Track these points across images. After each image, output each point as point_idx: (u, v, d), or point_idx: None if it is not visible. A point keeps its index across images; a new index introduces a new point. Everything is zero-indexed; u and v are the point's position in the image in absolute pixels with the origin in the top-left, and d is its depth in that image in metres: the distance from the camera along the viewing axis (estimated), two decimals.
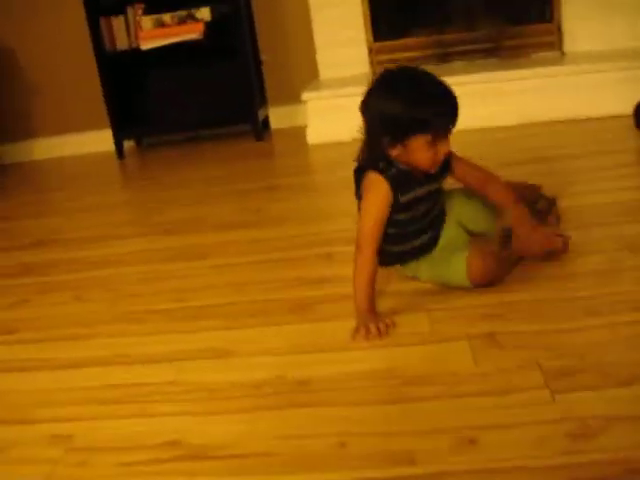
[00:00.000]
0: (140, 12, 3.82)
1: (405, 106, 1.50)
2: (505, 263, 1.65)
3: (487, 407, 1.19)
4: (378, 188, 1.56)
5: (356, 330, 1.50)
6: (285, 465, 1.13)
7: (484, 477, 1.03)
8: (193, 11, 3.77)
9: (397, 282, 1.73)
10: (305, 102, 3.55)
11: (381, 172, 1.56)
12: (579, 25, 3.56)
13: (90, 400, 1.42)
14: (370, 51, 3.73)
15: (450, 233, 1.73)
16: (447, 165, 1.65)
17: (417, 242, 1.68)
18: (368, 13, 3.72)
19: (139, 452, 1.22)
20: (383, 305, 1.60)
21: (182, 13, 3.78)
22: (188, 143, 4.09)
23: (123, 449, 1.23)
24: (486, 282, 1.60)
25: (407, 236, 1.67)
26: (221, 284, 1.90)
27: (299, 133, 3.70)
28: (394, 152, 1.55)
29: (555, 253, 1.71)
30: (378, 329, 1.48)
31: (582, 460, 1.03)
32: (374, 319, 1.50)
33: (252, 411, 1.29)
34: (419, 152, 1.53)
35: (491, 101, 3.34)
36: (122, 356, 1.58)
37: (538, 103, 3.29)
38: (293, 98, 3.87)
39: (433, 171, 1.59)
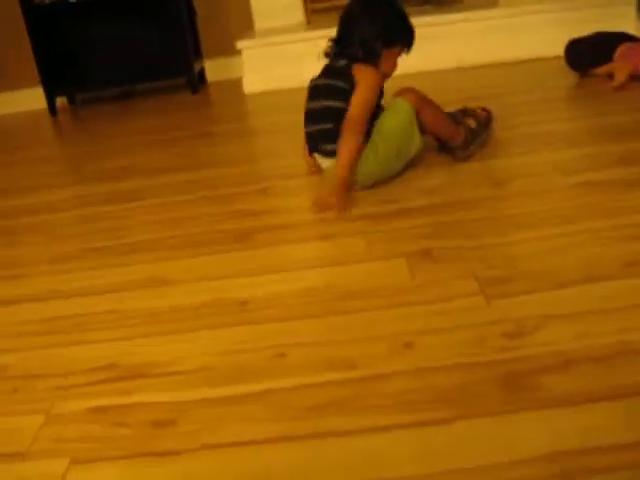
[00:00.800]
0: None
1: (397, 17, 1.88)
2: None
3: (424, 314, 1.21)
4: (375, 78, 1.83)
5: (320, 203, 1.73)
6: (224, 377, 1.12)
7: (422, 376, 1.05)
8: None
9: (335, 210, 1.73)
10: (240, 51, 3.50)
11: (375, 66, 1.85)
12: None
13: (25, 333, 1.38)
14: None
15: None
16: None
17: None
18: None
19: (74, 376, 1.20)
20: (322, 229, 1.61)
21: None
22: (123, 99, 4.01)
23: (58, 375, 1.21)
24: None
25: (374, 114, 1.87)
26: (159, 221, 1.87)
27: (236, 85, 3.65)
28: (381, 63, 1.86)
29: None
30: (341, 206, 1.70)
31: (520, 354, 1.06)
32: (344, 193, 1.73)
33: (190, 331, 1.28)
34: (393, 59, 1.89)
35: (426, 46, 3.31)
36: (59, 291, 1.55)
37: (473, 47, 3.32)
38: (229, 50, 3.82)
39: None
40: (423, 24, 3.33)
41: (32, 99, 4.07)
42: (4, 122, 3.97)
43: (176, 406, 1.07)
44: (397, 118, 1.84)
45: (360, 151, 1.77)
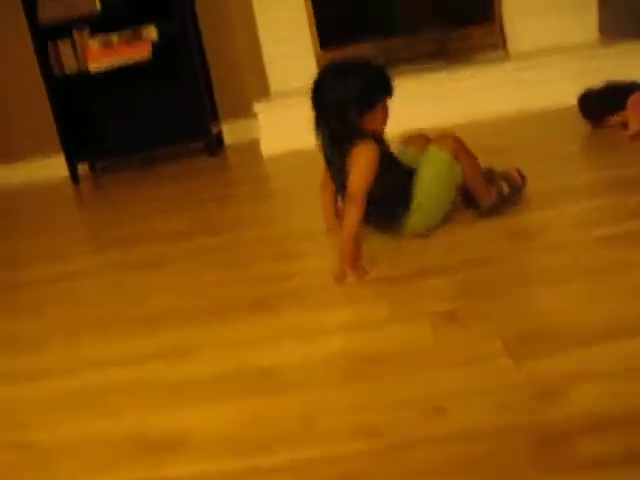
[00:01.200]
0: (86, 34, 3.80)
1: (369, 77, 1.79)
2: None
3: (450, 377, 1.19)
4: (370, 151, 1.78)
5: (338, 274, 1.70)
6: (249, 448, 1.11)
7: (451, 442, 1.03)
8: (139, 30, 3.76)
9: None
10: (257, 114, 3.56)
11: (366, 140, 1.79)
12: (520, 24, 3.63)
13: (52, 407, 1.38)
14: (318, 61, 3.75)
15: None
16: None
17: (401, 182, 1.87)
18: (314, 24, 3.76)
19: (102, 450, 1.19)
20: (345, 293, 1.61)
21: (128, 32, 3.77)
22: (143, 164, 4.07)
23: (85, 449, 1.21)
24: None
25: (395, 181, 1.86)
26: (180, 288, 1.88)
27: (254, 146, 3.70)
28: (364, 121, 1.79)
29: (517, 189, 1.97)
30: (359, 273, 1.69)
31: (550, 417, 1.04)
32: (355, 262, 1.71)
33: (215, 401, 1.28)
34: (381, 115, 1.83)
35: (440, 102, 3.38)
36: (85, 363, 1.55)
37: (484, 101, 3.35)
38: (246, 112, 3.88)
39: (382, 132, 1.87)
40: (434, 81, 3.40)
41: (55, 167, 4.15)
42: (28, 191, 4.04)
43: (204, 478, 1.06)
44: (434, 170, 1.86)
45: (359, 219, 1.75)
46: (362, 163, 1.77)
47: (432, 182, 1.85)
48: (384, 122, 1.86)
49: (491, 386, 1.15)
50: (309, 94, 1.82)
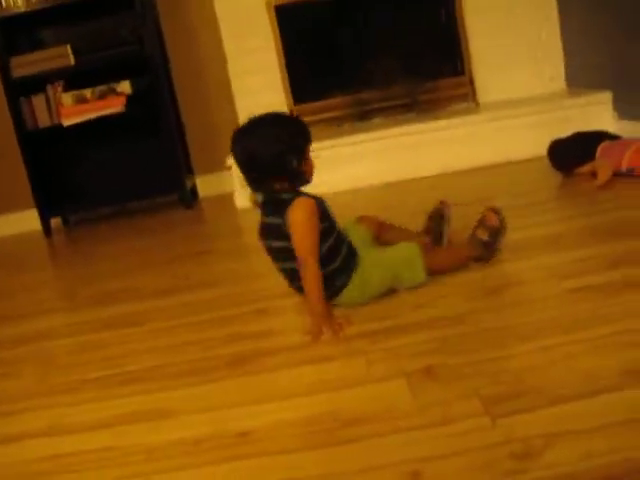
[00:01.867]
0: (60, 89, 3.82)
1: (296, 128, 1.80)
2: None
3: (428, 439, 1.19)
4: (309, 205, 1.76)
5: (313, 332, 1.69)
6: None
7: None
8: (113, 85, 3.79)
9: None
10: (230, 167, 3.58)
11: (311, 197, 1.78)
12: (489, 76, 3.72)
13: (23, 475, 1.35)
14: (291, 114, 3.78)
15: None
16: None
17: (344, 251, 1.84)
18: (287, 78, 3.81)
19: None
20: (321, 351, 1.60)
21: (103, 88, 3.79)
22: (117, 217, 4.06)
23: None
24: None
25: (337, 247, 1.83)
26: (156, 348, 1.86)
27: (228, 199, 3.71)
28: (305, 167, 1.79)
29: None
30: (334, 329, 1.69)
31: (528, 478, 1.03)
32: (329, 320, 1.72)
33: (192, 468, 1.25)
34: (309, 164, 1.81)
35: (411, 153, 3.43)
36: (56, 427, 1.52)
37: (457, 152, 3.41)
38: (219, 165, 3.90)
39: (310, 181, 1.84)
40: (406, 132, 3.45)
41: (27, 221, 4.13)
42: (0, 245, 4.00)
43: None
44: (400, 255, 1.90)
45: (320, 279, 1.74)
46: (303, 218, 1.73)
47: (389, 267, 1.86)
48: (312, 166, 1.83)
49: (469, 446, 1.14)
50: (237, 166, 1.82)
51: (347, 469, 1.15)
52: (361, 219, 2.08)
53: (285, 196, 1.77)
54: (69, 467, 1.34)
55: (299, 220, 1.73)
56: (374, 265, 1.85)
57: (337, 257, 1.81)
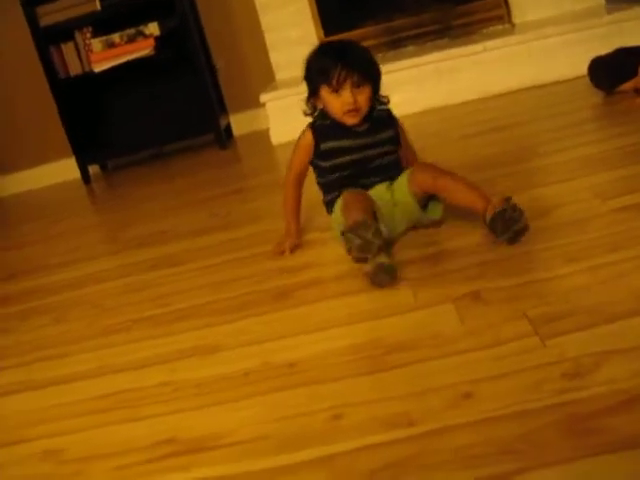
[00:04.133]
0: (89, 35, 3.80)
1: (308, 62, 1.82)
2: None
3: (478, 361, 1.18)
4: (303, 136, 1.87)
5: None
6: (282, 445, 1.11)
7: (483, 427, 1.02)
8: (141, 28, 3.75)
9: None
10: (264, 104, 3.55)
11: (312, 123, 1.86)
12: None
13: (80, 413, 1.39)
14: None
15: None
16: (381, 124, 1.85)
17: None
18: (316, 9, 3.73)
19: (134, 454, 1.19)
20: (364, 281, 1.60)
21: (131, 31, 3.76)
22: (153, 161, 4.08)
23: (117, 454, 1.21)
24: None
25: (332, 185, 1.86)
26: (201, 285, 1.88)
27: (263, 136, 3.69)
28: (318, 104, 1.83)
29: None
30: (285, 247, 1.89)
31: (581, 396, 1.02)
32: (287, 239, 1.92)
33: (243, 399, 1.27)
34: (328, 102, 1.79)
35: (446, 80, 3.36)
36: (110, 367, 1.56)
37: (493, 76, 3.32)
38: (253, 103, 3.87)
39: (349, 122, 1.79)
40: (441, 58, 3.37)
41: (65, 170, 4.16)
42: (41, 195, 4.06)
43: (238, 479, 1.06)
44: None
45: (289, 201, 1.95)
46: (296, 143, 1.89)
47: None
48: (338, 110, 1.78)
49: (520, 367, 1.13)
50: None
51: (397, 394, 1.16)
52: (413, 177, 1.78)
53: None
54: (125, 403, 1.37)
55: (295, 144, 1.91)
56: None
57: (333, 192, 1.86)
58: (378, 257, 1.54)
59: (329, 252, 1.86)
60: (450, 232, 1.77)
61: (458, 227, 1.78)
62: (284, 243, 1.91)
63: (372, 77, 1.80)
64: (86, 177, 3.98)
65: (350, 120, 1.79)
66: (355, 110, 1.77)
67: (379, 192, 1.80)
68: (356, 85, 1.75)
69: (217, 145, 3.87)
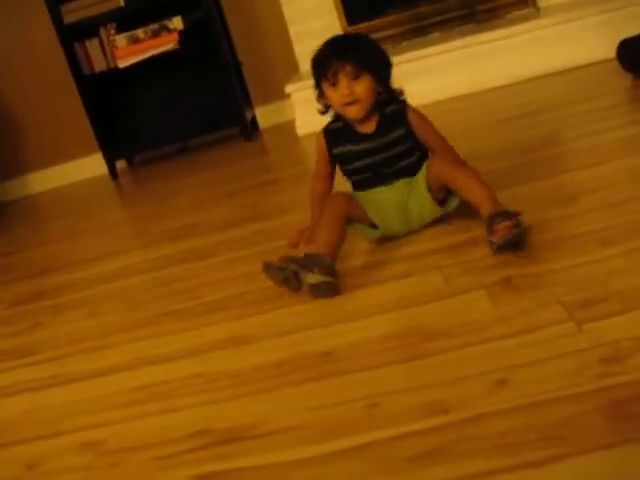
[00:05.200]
0: (113, 32, 3.82)
1: (311, 59, 1.75)
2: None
3: (513, 348, 1.17)
4: (317, 139, 1.84)
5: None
6: (317, 435, 1.11)
7: (520, 413, 1.01)
8: (165, 22, 3.76)
9: (407, 246, 1.71)
10: (289, 95, 3.54)
11: (325, 126, 1.83)
12: None
13: (117, 405, 1.40)
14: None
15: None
16: (391, 123, 1.75)
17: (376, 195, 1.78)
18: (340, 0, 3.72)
19: (171, 445, 1.20)
20: (396, 269, 1.59)
21: (155, 26, 3.77)
22: (179, 155, 4.09)
23: (154, 445, 1.22)
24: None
25: (355, 185, 1.83)
26: (232, 277, 1.89)
27: (288, 128, 3.69)
28: (327, 102, 1.77)
29: None
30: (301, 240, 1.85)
31: (620, 381, 1.01)
32: (305, 231, 1.86)
33: (277, 389, 1.28)
34: (329, 96, 1.73)
35: (473, 66, 3.32)
36: (144, 359, 1.57)
37: (520, 61, 3.28)
38: (278, 94, 3.86)
39: (350, 115, 1.73)
40: (467, 44, 3.34)
41: (93, 165, 4.19)
42: (69, 192, 4.09)
43: (273, 469, 1.07)
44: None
45: (314, 201, 1.89)
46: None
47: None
48: (337, 103, 1.72)
49: (556, 353, 1.12)
50: None
51: (432, 381, 1.15)
52: (428, 170, 1.74)
53: None
54: (160, 395, 1.38)
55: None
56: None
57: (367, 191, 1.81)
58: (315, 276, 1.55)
59: (357, 244, 1.85)
60: (480, 220, 1.75)
61: None
62: (300, 235, 1.88)
63: (371, 66, 1.70)
64: (113, 172, 4.01)
65: (351, 113, 1.72)
66: (354, 102, 1.70)
67: (398, 188, 1.76)
68: (352, 76, 1.68)
69: (243, 138, 3.87)
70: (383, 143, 1.75)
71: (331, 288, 1.55)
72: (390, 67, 1.78)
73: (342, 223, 1.69)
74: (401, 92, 1.80)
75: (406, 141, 1.76)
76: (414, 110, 1.77)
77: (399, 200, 1.75)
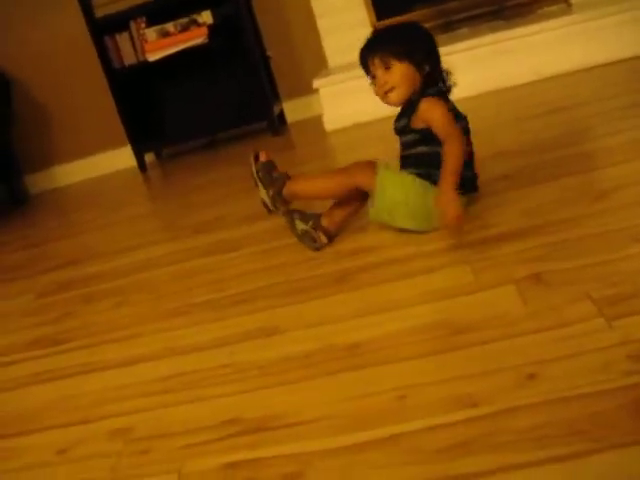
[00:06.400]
0: (143, 25, 3.85)
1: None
2: None
3: (542, 342, 1.17)
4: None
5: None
6: (346, 426, 1.12)
7: (549, 408, 1.01)
8: (195, 16, 3.78)
9: (435, 241, 1.71)
10: (317, 90, 3.55)
11: None
12: None
13: (146, 393, 1.42)
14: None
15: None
16: (405, 110, 1.82)
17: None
18: None
19: (200, 433, 1.22)
20: (425, 263, 1.60)
21: (184, 20, 3.79)
22: (207, 148, 4.11)
23: (184, 433, 1.24)
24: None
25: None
26: (260, 269, 1.90)
27: (316, 123, 3.69)
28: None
29: None
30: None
31: None
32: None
33: (306, 380, 1.28)
34: (374, 91, 1.82)
35: (502, 62, 3.30)
36: (172, 349, 1.58)
37: (550, 57, 3.25)
38: (306, 89, 3.87)
39: (389, 104, 1.82)
40: (496, 40, 3.32)
41: (122, 158, 4.24)
42: (99, 184, 4.14)
43: (302, 458, 1.07)
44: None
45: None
46: None
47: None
48: (378, 95, 1.82)
49: (585, 348, 1.12)
50: None
51: (461, 375, 1.15)
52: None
53: None
54: (189, 384, 1.40)
55: None
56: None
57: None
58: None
59: (386, 235, 1.85)
60: (511, 213, 1.75)
61: (522, 206, 1.77)
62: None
63: (401, 53, 1.73)
64: (142, 165, 4.05)
65: (389, 101, 1.81)
66: (391, 89, 1.77)
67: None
68: (384, 66, 1.75)
69: (270, 132, 3.88)
70: (396, 129, 1.85)
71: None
72: (425, 50, 1.79)
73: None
74: (448, 72, 1.84)
75: (405, 132, 1.81)
76: (428, 100, 1.74)
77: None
